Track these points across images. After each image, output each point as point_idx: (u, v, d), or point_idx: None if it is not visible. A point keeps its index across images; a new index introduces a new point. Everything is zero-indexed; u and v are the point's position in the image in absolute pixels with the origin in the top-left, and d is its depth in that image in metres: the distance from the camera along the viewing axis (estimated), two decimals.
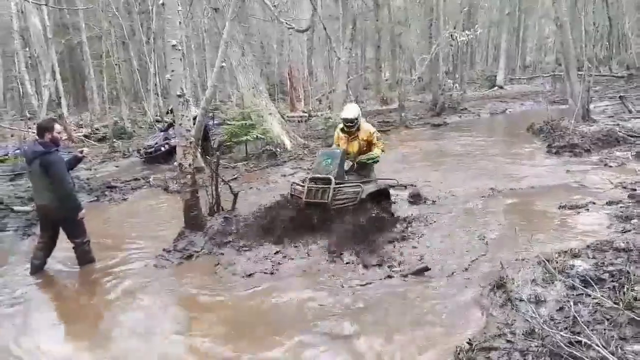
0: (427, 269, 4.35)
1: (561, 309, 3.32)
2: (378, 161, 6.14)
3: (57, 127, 4.85)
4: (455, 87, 17.21)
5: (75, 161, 5.29)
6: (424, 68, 16.11)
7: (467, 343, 3.14)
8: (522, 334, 3.12)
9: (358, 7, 14.63)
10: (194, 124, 6.21)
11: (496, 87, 23.34)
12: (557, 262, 4.01)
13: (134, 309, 4.18)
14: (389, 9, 20.22)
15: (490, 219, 5.70)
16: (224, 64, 6.97)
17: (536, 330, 3.09)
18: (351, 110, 5.98)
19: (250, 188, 8.24)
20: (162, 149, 11.34)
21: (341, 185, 5.37)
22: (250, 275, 4.60)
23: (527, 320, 3.24)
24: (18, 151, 11.39)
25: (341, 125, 6.10)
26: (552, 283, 3.72)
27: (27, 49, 12.91)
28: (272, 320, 3.81)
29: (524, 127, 12.50)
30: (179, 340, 3.64)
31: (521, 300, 3.53)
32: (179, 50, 5.32)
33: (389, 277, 4.37)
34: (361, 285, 4.27)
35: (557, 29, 12.32)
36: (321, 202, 5.25)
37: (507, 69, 25.44)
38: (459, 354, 3.06)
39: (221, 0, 11.40)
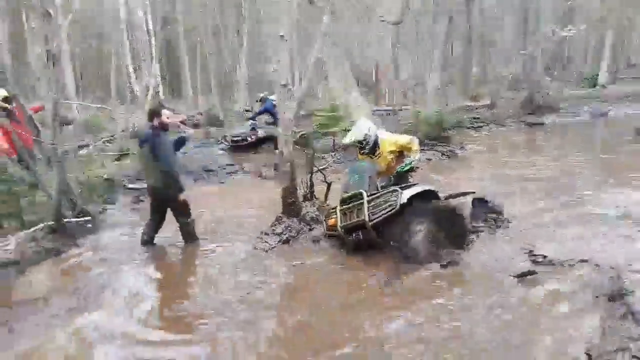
0: (533, 272, 4.16)
1: None
2: (413, 168, 5.30)
3: (166, 112, 5.08)
4: (553, 85, 16.20)
5: (180, 142, 5.40)
6: (520, 65, 15.33)
7: (586, 354, 2.97)
8: None
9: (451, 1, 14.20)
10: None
11: (597, 87, 21.62)
12: None
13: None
14: (480, 3, 19.42)
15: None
16: (320, 56, 7.08)
17: None
18: (352, 133, 5.13)
19: (339, 179, 8.29)
20: (249, 139, 11.56)
21: (375, 195, 4.70)
22: None
23: None
24: (123, 132, 12.15)
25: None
26: None
27: (134, 38, 13.93)
28: None
29: (630, 132, 11.50)
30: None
31: None
32: (287, 40, 5.47)
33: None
34: None
35: None
36: (358, 221, 4.60)
37: (611, 67, 23.45)
38: None
39: None
